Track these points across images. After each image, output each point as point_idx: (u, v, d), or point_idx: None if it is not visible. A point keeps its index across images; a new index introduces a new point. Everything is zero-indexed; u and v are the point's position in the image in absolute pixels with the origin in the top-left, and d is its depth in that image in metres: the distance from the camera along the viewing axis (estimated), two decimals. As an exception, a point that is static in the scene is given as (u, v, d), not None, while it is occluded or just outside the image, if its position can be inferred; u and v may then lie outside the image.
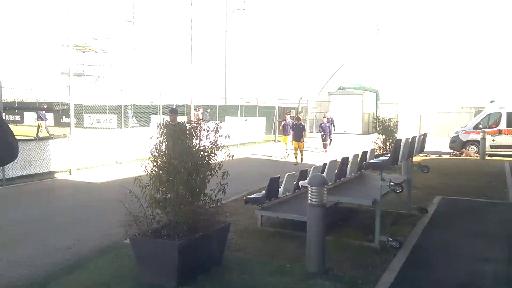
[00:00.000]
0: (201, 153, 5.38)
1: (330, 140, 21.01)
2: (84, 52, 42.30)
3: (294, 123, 17.59)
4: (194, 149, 5.31)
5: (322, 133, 20.75)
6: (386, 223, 7.06)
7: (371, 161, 7.66)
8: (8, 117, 36.05)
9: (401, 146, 7.03)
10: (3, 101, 12.55)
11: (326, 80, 42.12)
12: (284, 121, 19.32)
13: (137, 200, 5.18)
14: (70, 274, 5.49)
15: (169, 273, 4.95)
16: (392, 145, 9.45)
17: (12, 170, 11.27)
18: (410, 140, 7.60)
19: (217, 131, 5.68)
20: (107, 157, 14.50)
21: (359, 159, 8.26)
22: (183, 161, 5.02)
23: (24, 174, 11.69)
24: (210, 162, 5.50)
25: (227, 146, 5.79)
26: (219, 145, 5.61)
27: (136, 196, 5.16)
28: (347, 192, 7.18)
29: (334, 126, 22.16)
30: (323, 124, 20.86)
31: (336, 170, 7.39)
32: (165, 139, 5.35)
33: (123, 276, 5.30)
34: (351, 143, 22.45)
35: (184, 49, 20.58)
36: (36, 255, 6.10)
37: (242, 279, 5.25)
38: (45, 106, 25.77)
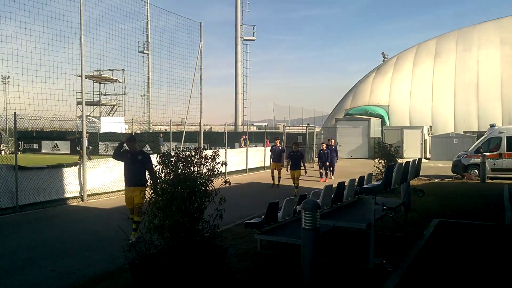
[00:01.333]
0: (198, 180, 5.51)
1: (332, 169, 19.62)
2: (100, 82, 43.12)
3: (292, 149, 15.68)
4: (191, 176, 5.44)
5: (319, 161, 19.45)
6: (381, 245, 7.07)
7: (365, 186, 7.71)
8: (27, 146, 36.76)
9: (394, 171, 7.10)
10: (21, 130, 12.88)
11: (333, 106, 42.42)
12: (274, 146, 17.41)
13: (136, 226, 5.30)
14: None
15: (166, 297, 5.02)
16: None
17: (25, 197, 11.52)
18: (404, 165, 7.67)
19: (214, 159, 5.82)
20: (118, 184, 14.69)
21: (356, 184, 8.34)
22: (179, 188, 5.15)
23: (37, 201, 11.90)
24: (208, 188, 5.62)
25: (224, 174, 5.92)
26: (216, 173, 5.74)
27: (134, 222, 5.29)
28: (343, 216, 7.23)
29: (336, 153, 20.27)
30: (321, 151, 19.46)
31: (333, 195, 7.48)
32: (163, 167, 5.51)
33: (123, 299, 5.38)
34: (356, 167, 22.44)
35: (192, 77, 20.90)
36: (43, 280, 6.22)
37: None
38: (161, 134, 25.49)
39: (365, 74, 42.41)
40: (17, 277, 6.36)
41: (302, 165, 15.28)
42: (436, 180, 18.44)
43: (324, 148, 19.38)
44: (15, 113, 11.80)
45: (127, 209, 8.32)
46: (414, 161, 8.46)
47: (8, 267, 6.77)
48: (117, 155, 8.78)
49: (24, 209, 11.43)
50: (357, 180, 8.48)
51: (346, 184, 8.09)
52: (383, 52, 53.20)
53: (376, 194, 6.63)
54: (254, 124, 49.53)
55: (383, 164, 14.16)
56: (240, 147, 16.42)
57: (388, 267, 6.27)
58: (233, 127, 41.80)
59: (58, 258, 7.29)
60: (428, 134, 33.55)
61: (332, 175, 19.56)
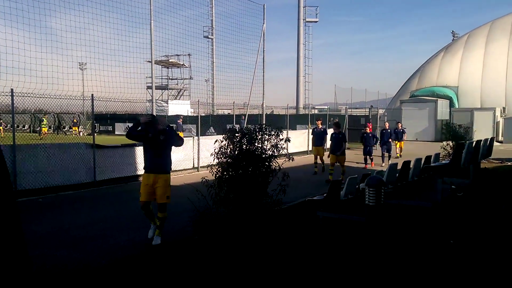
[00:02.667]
0: (262, 156, 5.59)
1: (388, 154, 18.24)
2: (167, 67, 44.44)
3: (334, 131, 13.73)
4: (255, 152, 5.53)
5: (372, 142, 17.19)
6: (448, 226, 6.82)
7: (433, 164, 7.43)
8: (102, 128, 38.93)
9: (463, 151, 6.78)
10: (96, 113, 13.65)
11: (397, 89, 40.93)
12: (315, 128, 15.83)
13: (204, 198, 5.47)
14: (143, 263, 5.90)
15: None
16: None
17: (102, 173, 12.29)
18: (474, 145, 7.30)
19: (277, 135, 5.86)
20: (186, 163, 15.21)
21: (422, 164, 8.05)
22: (244, 163, 5.25)
23: (112, 177, 12.65)
24: (271, 164, 5.69)
25: (288, 153, 5.93)
26: (279, 148, 5.78)
27: (203, 195, 5.46)
28: (408, 194, 7.03)
29: (395, 135, 19.67)
30: (365, 134, 17.33)
31: (397, 174, 7.28)
32: (229, 143, 5.63)
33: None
34: (422, 150, 21.62)
35: (254, 61, 21.00)
36: (119, 248, 6.62)
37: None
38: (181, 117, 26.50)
39: (432, 55, 40.39)
40: (96, 243, 6.81)
41: (342, 149, 13.18)
42: (509, 163, 17.35)
43: (368, 131, 17.91)
44: (92, 95, 12.47)
45: (140, 204, 6.69)
46: (486, 140, 8.03)
47: (89, 236, 7.26)
48: (134, 136, 6.78)
49: (101, 184, 12.17)
50: (423, 160, 8.19)
51: (412, 164, 7.85)
52: (452, 31, 50.38)
53: (444, 172, 6.38)
54: (316, 107, 48.97)
55: (451, 146, 13.56)
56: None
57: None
58: (295, 110, 41.60)
59: (131, 230, 7.70)
60: (501, 116, 31.50)
61: (383, 162, 17.55)
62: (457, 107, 34.07)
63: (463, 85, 35.36)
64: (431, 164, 7.30)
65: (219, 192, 5.38)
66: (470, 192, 8.09)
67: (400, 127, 20.38)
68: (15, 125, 11.37)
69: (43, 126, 34.20)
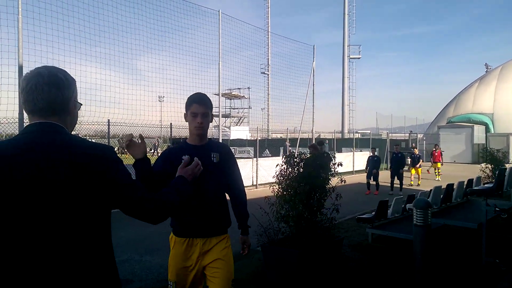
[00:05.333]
0: (318, 178, 5.46)
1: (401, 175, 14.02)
2: (230, 99, 45.39)
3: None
4: (312, 174, 5.41)
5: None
6: (492, 246, 6.30)
7: (476, 187, 6.95)
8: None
9: (505, 174, 6.29)
10: (174, 137, 14.13)
11: (436, 113, 39.28)
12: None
13: (267, 215, 5.41)
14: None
15: (290, 276, 5.05)
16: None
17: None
18: (516, 169, 6.75)
19: (330, 159, 5.73)
20: (246, 181, 15.27)
21: (464, 186, 7.56)
22: (302, 184, 5.16)
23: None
24: (326, 185, 5.54)
25: (340, 175, 5.77)
26: (332, 172, 5.64)
27: (265, 212, 5.41)
28: (452, 215, 6.59)
29: (414, 159, 16.23)
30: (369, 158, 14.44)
31: (442, 196, 6.87)
32: (288, 166, 5.56)
33: (255, 275, 5.52)
34: (460, 171, 20.42)
35: (305, 92, 20.99)
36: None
37: None
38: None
39: (466, 85, 38.62)
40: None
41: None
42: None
43: (373, 154, 14.55)
44: (171, 123, 12.95)
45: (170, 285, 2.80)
46: (527, 165, 7.42)
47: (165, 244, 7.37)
48: (153, 181, 2.48)
49: None
50: (465, 182, 7.69)
51: (454, 186, 7.39)
52: (486, 63, 47.85)
53: (488, 195, 5.93)
54: (358, 131, 47.83)
55: (490, 169, 12.70)
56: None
57: (502, 266, 5.56)
58: (340, 134, 40.86)
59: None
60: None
61: (377, 190, 13.99)
62: (492, 132, 32.10)
63: (498, 112, 33.35)
64: (474, 188, 6.82)
65: (280, 210, 5.31)
66: (512, 213, 7.47)
67: (417, 152, 16.62)
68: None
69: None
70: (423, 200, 5.32)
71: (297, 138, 22.32)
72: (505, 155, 13.48)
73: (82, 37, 12.17)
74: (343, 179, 5.78)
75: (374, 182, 14.02)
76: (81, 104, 1.70)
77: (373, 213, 7.38)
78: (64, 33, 11.36)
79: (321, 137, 37.95)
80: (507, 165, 10.92)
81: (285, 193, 5.40)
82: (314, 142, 14.38)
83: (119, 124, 11.82)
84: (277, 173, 5.57)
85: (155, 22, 14.63)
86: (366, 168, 14.41)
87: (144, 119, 13.50)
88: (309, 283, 5.06)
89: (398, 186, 13.96)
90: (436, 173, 18.77)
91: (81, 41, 12.19)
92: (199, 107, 2.74)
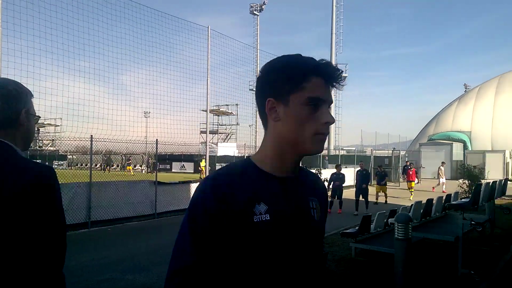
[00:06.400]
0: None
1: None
2: (218, 115, 45.50)
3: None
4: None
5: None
6: (468, 258, 6.54)
7: (453, 202, 7.23)
8: (161, 166, 39.92)
9: (481, 190, 6.59)
10: (160, 153, 14.16)
11: (418, 131, 40.16)
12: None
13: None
14: None
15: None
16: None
17: (162, 206, 12.27)
18: (490, 185, 7.07)
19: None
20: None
21: (443, 201, 7.84)
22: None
23: (170, 210, 12.52)
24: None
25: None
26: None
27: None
28: (432, 229, 6.83)
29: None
30: (333, 175, 13.06)
31: (422, 210, 7.12)
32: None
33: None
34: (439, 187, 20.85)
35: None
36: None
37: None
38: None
39: (446, 104, 39.81)
40: (159, 268, 6.86)
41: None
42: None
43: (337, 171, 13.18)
44: (156, 140, 12.94)
45: None
46: (500, 181, 7.77)
47: (152, 262, 7.34)
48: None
49: (161, 215, 12.11)
50: (444, 197, 7.97)
51: (434, 201, 7.66)
52: (465, 83, 49.43)
53: (465, 210, 6.20)
54: (344, 148, 48.39)
55: (467, 184, 13.11)
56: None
57: (476, 277, 5.79)
58: (326, 150, 41.33)
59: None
60: (510, 158, 30.26)
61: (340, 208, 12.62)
62: (470, 149, 33.03)
63: (475, 130, 34.40)
64: (452, 203, 7.10)
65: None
66: (488, 227, 7.76)
67: (381, 170, 15.53)
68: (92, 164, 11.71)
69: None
70: (404, 215, 5.55)
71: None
72: (481, 171, 13.96)
73: (65, 50, 12.14)
74: (328, 195, 5.96)
75: (363, 199, 12.97)
76: (39, 117, 1.64)
77: (357, 227, 7.57)
78: (46, 45, 11.33)
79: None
80: (483, 181, 11.33)
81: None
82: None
83: (102, 140, 11.67)
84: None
85: (142, 37, 14.79)
86: (356, 183, 13.53)
87: (128, 135, 13.47)
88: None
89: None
90: (411, 192, 17.37)
91: (64, 54, 12.17)
92: (327, 90, 1.15)
